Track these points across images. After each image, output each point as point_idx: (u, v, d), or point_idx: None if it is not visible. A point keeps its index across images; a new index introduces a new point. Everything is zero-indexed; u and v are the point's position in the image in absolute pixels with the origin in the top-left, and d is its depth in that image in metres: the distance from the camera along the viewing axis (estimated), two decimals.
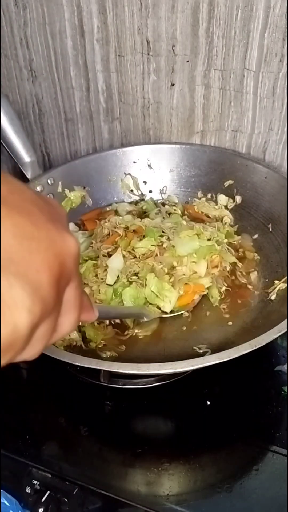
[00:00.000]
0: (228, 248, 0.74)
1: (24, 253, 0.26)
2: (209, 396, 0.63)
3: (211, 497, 0.55)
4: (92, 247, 0.75)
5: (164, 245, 0.71)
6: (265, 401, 0.64)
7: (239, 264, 0.74)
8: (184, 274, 0.68)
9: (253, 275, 0.73)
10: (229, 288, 0.72)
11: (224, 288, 0.71)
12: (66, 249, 0.29)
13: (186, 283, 0.68)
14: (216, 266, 0.71)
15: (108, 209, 0.84)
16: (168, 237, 0.72)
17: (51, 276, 0.27)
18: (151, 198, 0.87)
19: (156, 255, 0.70)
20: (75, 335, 0.65)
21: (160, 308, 0.67)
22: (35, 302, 0.26)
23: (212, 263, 0.71)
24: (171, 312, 0.68)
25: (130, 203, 0.86)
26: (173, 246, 0.70)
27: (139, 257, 0.70)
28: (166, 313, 0.67)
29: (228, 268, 0.73)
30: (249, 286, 0.72)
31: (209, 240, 0.72)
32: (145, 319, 0.66)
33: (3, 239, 0.25)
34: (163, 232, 0.72)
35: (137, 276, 0.68)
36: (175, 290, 0.67)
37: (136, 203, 0.86)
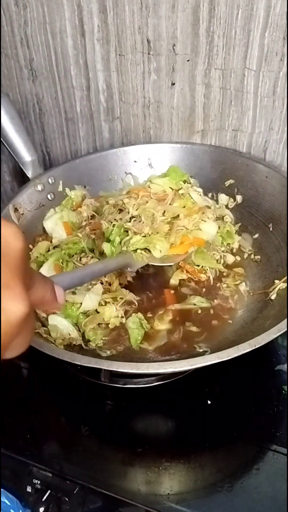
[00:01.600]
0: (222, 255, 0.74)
1: None
2: (210, 396, 0.64)
3: (212, 496, 0.55)
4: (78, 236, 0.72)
5: (181, 192, 0.66)
6: (265, 401, 0.64)
7: (225, 273, 0.73)
8: (185, 227, 0.65)
9: (242, 287, 0.71)
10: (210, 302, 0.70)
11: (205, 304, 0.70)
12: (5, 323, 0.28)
13: (184, 235, 0.65)
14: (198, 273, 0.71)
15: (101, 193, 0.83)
16: (189, 183, 0.67)
17: None
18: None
19: (168, 203, 0.64)
20: (75, 334, 0.65)
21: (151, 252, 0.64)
22: None
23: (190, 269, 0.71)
24: (161, 261, 0.64)
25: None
26: (189, 194, 0.65)
27: (149, 196, 0.66)
28: (154, 259, 0.64)
29: (211, 277, 0.72)
30: (230, 301, 0.70)
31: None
32: (129, 269, 0.63)
33: None
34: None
35: (131, 220, 0.65)
36: (166, 242, 0.63)
37: None
